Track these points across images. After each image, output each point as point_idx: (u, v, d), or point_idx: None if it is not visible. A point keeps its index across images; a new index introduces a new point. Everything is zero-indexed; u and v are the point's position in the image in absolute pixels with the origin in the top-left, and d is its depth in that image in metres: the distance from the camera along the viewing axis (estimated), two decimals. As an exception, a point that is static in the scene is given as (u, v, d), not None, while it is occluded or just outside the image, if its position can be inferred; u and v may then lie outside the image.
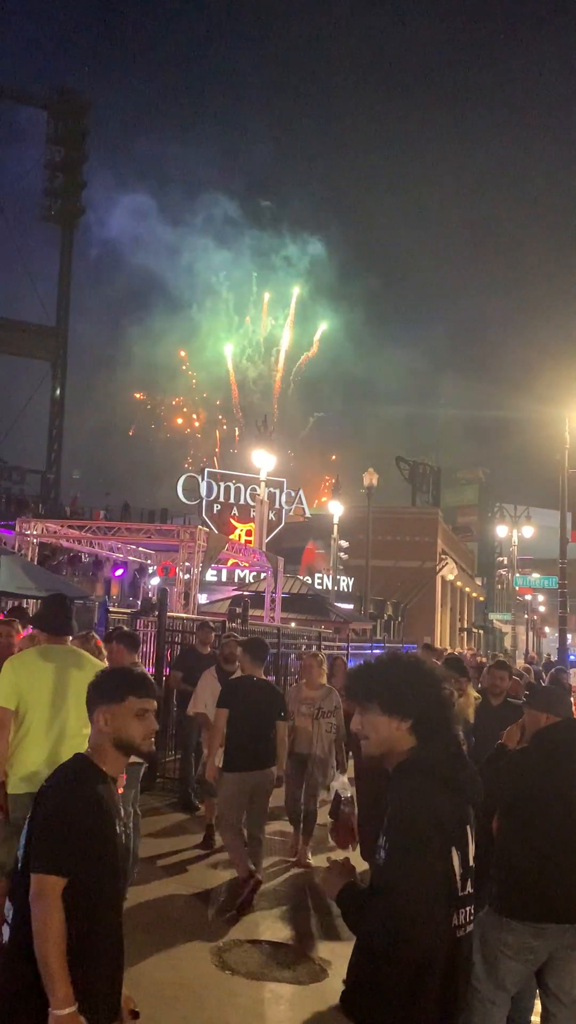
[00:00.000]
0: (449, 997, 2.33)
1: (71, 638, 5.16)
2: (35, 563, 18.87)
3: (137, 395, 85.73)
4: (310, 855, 7.64)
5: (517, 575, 46.20)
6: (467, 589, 63.57)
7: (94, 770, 2.63)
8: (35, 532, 20.18)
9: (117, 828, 2.57)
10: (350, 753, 8.80)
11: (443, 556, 51.82)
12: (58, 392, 52.28)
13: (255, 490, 33.48)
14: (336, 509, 33.98)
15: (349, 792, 7.38)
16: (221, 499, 40.82)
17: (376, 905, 2.27)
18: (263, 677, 7.11)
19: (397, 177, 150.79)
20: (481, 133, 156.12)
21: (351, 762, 8.12)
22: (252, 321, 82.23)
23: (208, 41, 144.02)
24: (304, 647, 14.76)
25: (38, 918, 2.40)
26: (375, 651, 19.32)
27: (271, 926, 6.10)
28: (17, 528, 20.33)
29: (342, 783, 7.25)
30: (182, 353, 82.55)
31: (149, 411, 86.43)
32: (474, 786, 2.47)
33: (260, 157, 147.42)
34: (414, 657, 2.64)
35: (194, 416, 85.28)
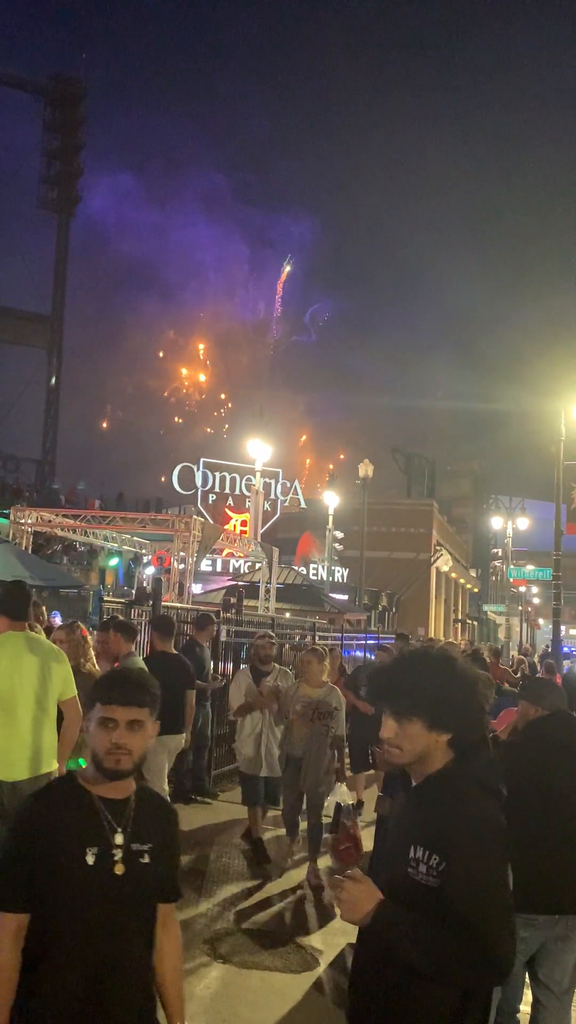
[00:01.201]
0: (487, 1009, 2.26)
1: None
2: (29, 552, 18.87)
3: (104, 424, 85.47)
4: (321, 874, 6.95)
5: (511, 567, 46.31)
6: (461, 580, 63.66)
7: (70, 790, 2.38)
8: (30, 521, 20.14)
9: (89, 859, 2.26)
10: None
11: (438, 547, 51.85)
12: (53, 380, 52.15)
13: (250, 480, 33.46)
14: (331, 500, 33.97)
15: (350, 801, 7.20)
16: (216, 489, 40.78)
17: (452, 931, 2.04)
18: (173, 652, 7.76)
19: (394, 164, 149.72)
20: (481, 117, 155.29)
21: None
22: (242, 304, 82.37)
23: (204, 26, 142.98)
24: (298, 637, 14.77)
25: None
26: (369, 641, 19.34)
27: (264, 916, 6.13)
28: (12, 516, 20.28)
29: (341, 793, 7.11)
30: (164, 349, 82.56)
31: (140, 402, 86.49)
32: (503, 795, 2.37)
33: (253, 138, 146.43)
34: (449, 660, 2.42)
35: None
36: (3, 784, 4.63)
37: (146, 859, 2.34)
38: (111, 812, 2.34)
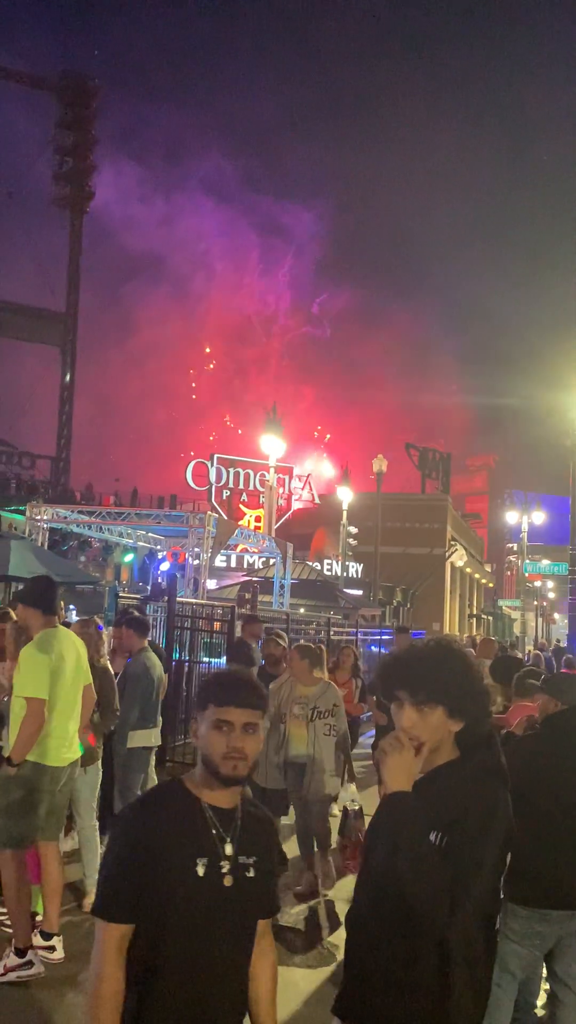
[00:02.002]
0: (483, 990, 2.25)
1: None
2: (45, 548, 18.96)
3: (116, 420, 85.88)
4: (334, 872, 6.80)
5: (527, 561, 46.13)
6: (476, 575, 63.53)
7: (180, 794, 2.25)
8: (45, 517, 20.25)
9: (199, 870, 2.14)
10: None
11: (452, 543, 51.76)
12: (68, 377, 52.27)
13: (264, 476, 33.49)
14: (345, 496, 33.94)
15: (357, 805, 6.98)
16: (230, 485, 40.85)
17: (443, 864, 2.05)
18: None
19: (406, 153, 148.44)
20: (496, 106, 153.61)
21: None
22: (252, 296, 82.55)
23: (208, 23, 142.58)
24: (313, 632, 14.75)
25: (90, 966, 2.16)
26: (384, 636, 19.31)
27: (279, 913, 6.11)
28: (28, 513, 20.41)
29: (351, 793, 6.91)
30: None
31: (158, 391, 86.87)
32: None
33: (262, 127, 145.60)
34: (461, 650, 2.40)
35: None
36: (46, 769, 4.80)
37: (251, 873, 2.24)
38: (220, 821, 2.23)
